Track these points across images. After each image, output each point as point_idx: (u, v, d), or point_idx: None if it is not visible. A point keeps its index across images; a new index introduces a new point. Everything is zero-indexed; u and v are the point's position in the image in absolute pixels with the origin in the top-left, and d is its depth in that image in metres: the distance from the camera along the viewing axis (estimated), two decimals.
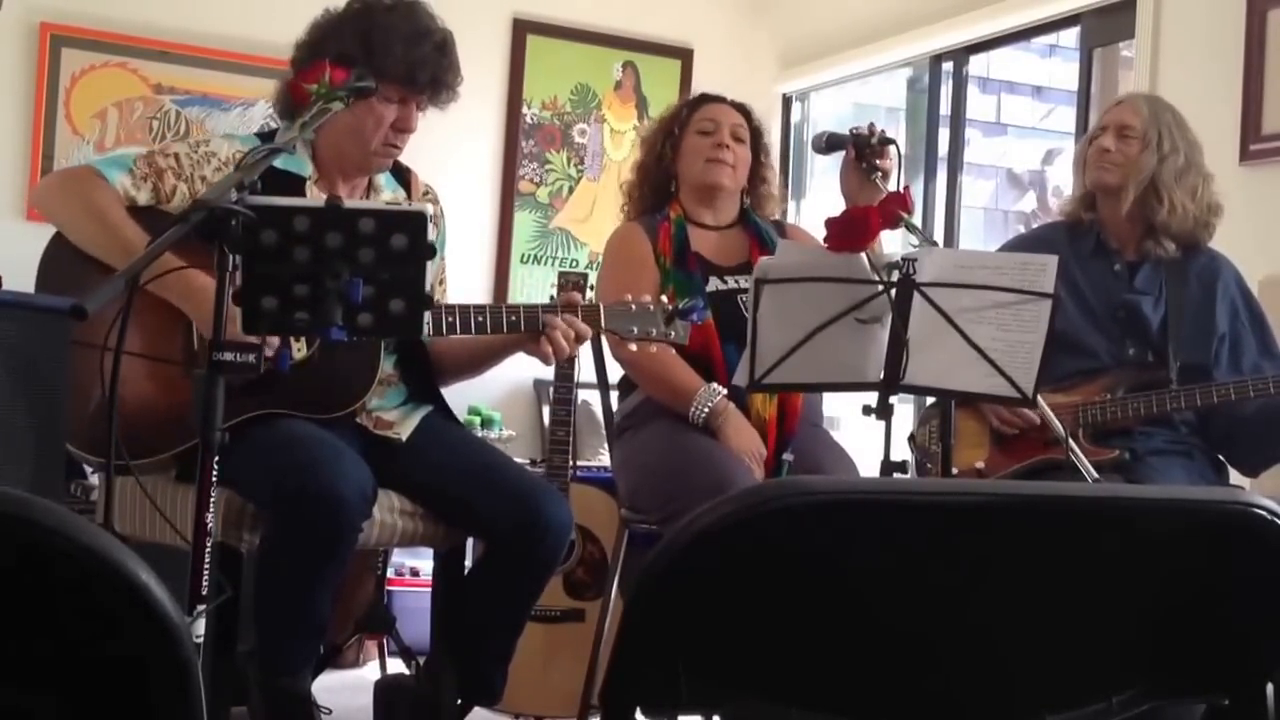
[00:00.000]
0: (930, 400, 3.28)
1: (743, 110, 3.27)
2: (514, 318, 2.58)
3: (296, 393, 2.52)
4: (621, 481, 3.12)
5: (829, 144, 2.85)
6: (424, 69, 2.63)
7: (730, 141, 3.17)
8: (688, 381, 2.96)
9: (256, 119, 4.72)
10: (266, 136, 2.74)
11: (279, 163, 2.66)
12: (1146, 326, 2.98)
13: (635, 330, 2.64)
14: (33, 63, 4.67)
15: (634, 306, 2.65)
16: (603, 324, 2.64)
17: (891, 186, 2.72)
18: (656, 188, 3.26)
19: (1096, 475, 2.49)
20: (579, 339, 2.61)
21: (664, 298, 2.73)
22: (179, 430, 2.40)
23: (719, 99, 3.28)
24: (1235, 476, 3.04)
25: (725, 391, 2.94)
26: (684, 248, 3.11)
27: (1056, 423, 2.47)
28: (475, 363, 2.85)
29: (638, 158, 3.35)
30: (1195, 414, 2.93)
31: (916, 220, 4.82)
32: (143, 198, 2.57)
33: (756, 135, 3.27)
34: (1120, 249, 3.05)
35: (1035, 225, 4.38)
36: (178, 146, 2.68)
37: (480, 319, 2.57)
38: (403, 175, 2.91)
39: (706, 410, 2.92)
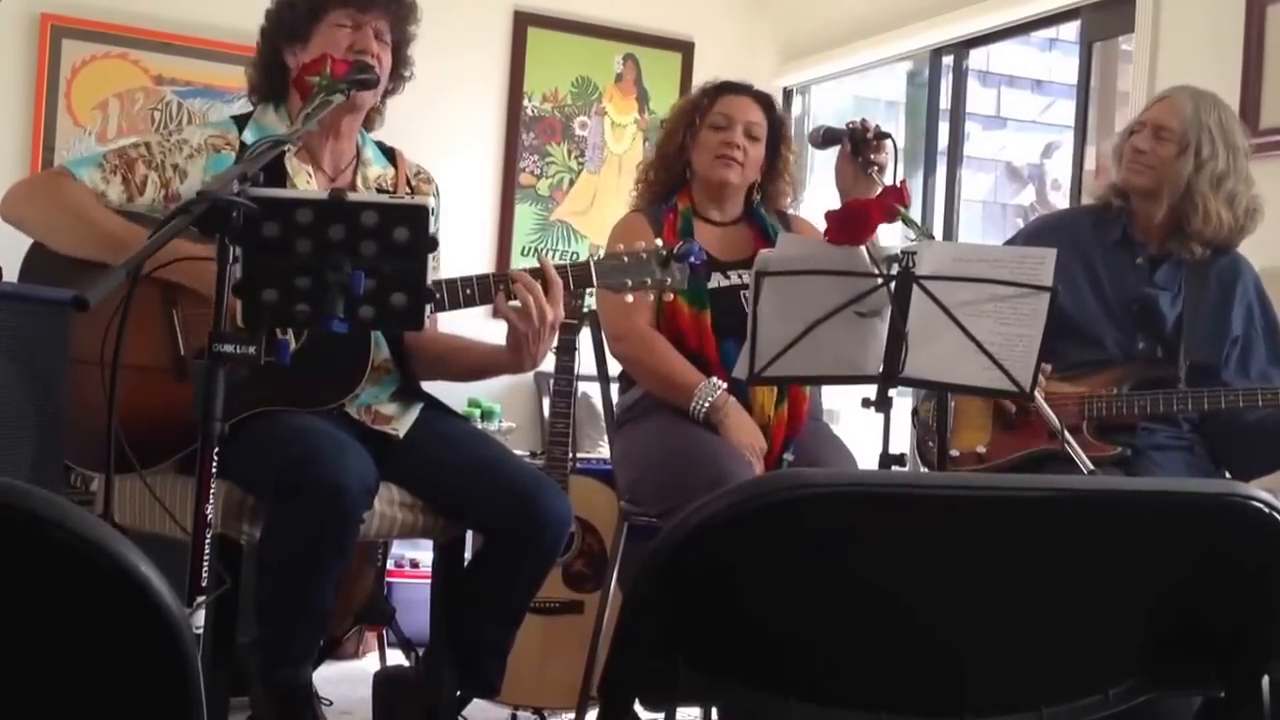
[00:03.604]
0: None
1: (764, 102, 3.23)
2: (469, 290, 2.46)
3: (291, 387, 2.50)
4: (621, 474, 3.12)
5: (825, 138, 2.85)
6: None
7: (742, 140, 3.13)
8: (687, 377, 2.96)
9: None
10: (242, 119, 2.74)
11: (253, 138, 2.66)
12: (1161, 322, 2.95)
13: (630, 282, 2.51)
14: (33, 54, 4.67)
15: (626, 258, 2.53)
16: (594, 280, 2.52)
17: (887, 180, 2.72)
18: (671, 175, 3.24)
19: (1092, 467, 2.49)
20: (550, 294, 2.45)
21: (658, 241, 2.59)
22: (178, 434, 2.37)
23: (740, 90, 3.23)
24: None
25: (725, 386, 2.94)
26: None
27: (1053, 417, 2.47)
28: (446, 364, 2.80)
29: (659, 141, 3.32)
30: (1197, 412, 2.92)
31: (915, 214, 4.85)
32: (113, 192, 2.55)
33: (777, 127, 3.23)
34: (1145, 243, 3.01)
35: (1034, 218, 4.37)
36: (151, 137, 2.67)
37: (438, 295, 2.46)
38: (390, 154, 2.88)
39: (707, 405, 2.92)
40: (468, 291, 2.47)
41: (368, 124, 2.83)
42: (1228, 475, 3.01)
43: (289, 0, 2.69)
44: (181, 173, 2.60)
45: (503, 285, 2.46)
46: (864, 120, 2.82)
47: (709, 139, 3.16)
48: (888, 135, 2.78)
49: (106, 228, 2.47)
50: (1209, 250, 2.95)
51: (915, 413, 3.20)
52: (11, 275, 2.77)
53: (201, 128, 2.73)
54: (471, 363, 2.77)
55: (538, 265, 2.49)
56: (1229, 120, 2.93)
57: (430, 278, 2.10)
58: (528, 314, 2.44)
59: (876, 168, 2.76)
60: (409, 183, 2.86)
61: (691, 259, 2.51)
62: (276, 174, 2.59)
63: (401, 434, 2.68)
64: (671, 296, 2.75)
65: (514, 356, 2.54)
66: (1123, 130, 3.09)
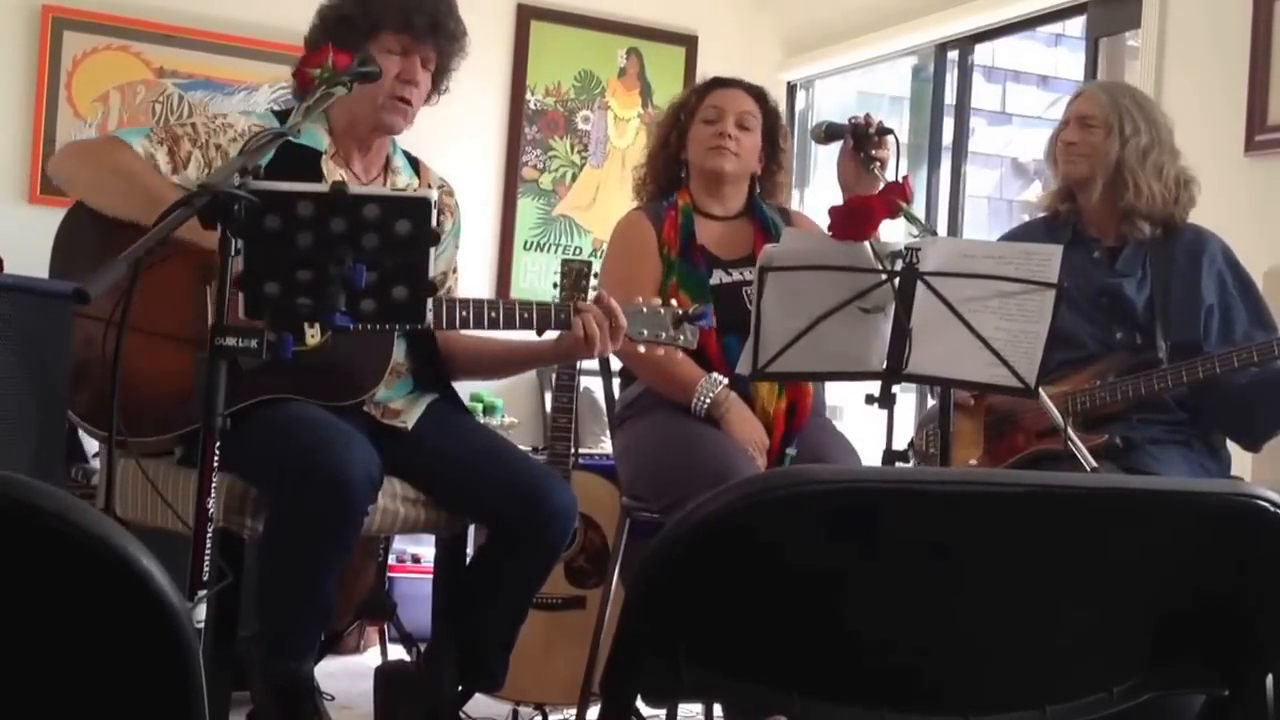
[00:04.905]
0: (930, 404, 3.27)
1: (756, 94, 3.22)
2: (526, 315, 2.57)
3: (307, 379, 2.52)
4: (623, 469, 3.12)
5: (828, 134, 2.85)
6: (419, 12, 2.67)
7: (734, 130, 3.12)
8: (688, 373, 2.95)
9: (260, 104, 4.72)
10: (283, 115, 2.75)
11: (294, 137, 2.68)
12: (1131, 309, 2.97)
13: (645, 333, 2.64)
14: (34, 45, 4.66)
15: (645, 309, 2.65)
16: None
17: (889, 176, 2.72)
18: (666, 175, 3.24)
19: (1095, 464, 2.48)
20: (614, 328, 2.60)
21: (674, 301, 2.73)
22: (184, 412, 2.39)
23: (730, 83, 3.23)
24: (1234, 467, 3.03)
25: (726, 381, 2.93)
26: (690, 239, 3.09)
27: (1055, 412, 2.47)
28: (499, 367, 2.90)
29: (653, 141, 3.33)
30: (1189, 394, 2.91)
31: (920, 209, 4.85)
32: (160, 160, 2.58)
33: (771, 119, 3.23)
34: (1100, 236, 3.05)
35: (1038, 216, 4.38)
36: (196, 117, 2.73)
37: (493, 314, 2.57)
38: (415, 163, 2.92)
39: (708, 401, 2.91)
40: (525, 315, 2.59)
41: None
42: (1234, 463, 3.01)
43: (348, 16, 2.70)
44: (224, 153, 2.63)
45: (564, 314, 2.60)
46: (866, 115, 2.82)
47: (701, 133, 3.15)
48: (889, 131, 2.77)
49: (157, 190, 2.47)
50: (1158, 228, 2.99)
51: (911, 445, 3.21)
52: (13, 267, 2.77)
53: (246, 115, 2.77)
54: (519, 365, 2.94)
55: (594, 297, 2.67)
56: (1145, 101, 3.04)
57: (437, 279, 2.11)
58: (590, 341, 2.58)
59: (878, 163, 2.76)
60: None
61: (702, 323, 2.67)
62: (313, 177, 2.63)
63: (410, 425, 2.69)
64: (680, 355, 2.83)
65: (560, 359, 2.80)
66: (1050, 136, 3.16)
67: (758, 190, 3.23)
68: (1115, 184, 2.97)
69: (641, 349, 2.66)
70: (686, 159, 3.20)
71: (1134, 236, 2.99)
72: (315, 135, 2.70)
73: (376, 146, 2.80)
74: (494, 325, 2.58)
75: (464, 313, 2.56)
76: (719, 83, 3.24)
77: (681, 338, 2.66)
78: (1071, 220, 3.08)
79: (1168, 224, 2.99)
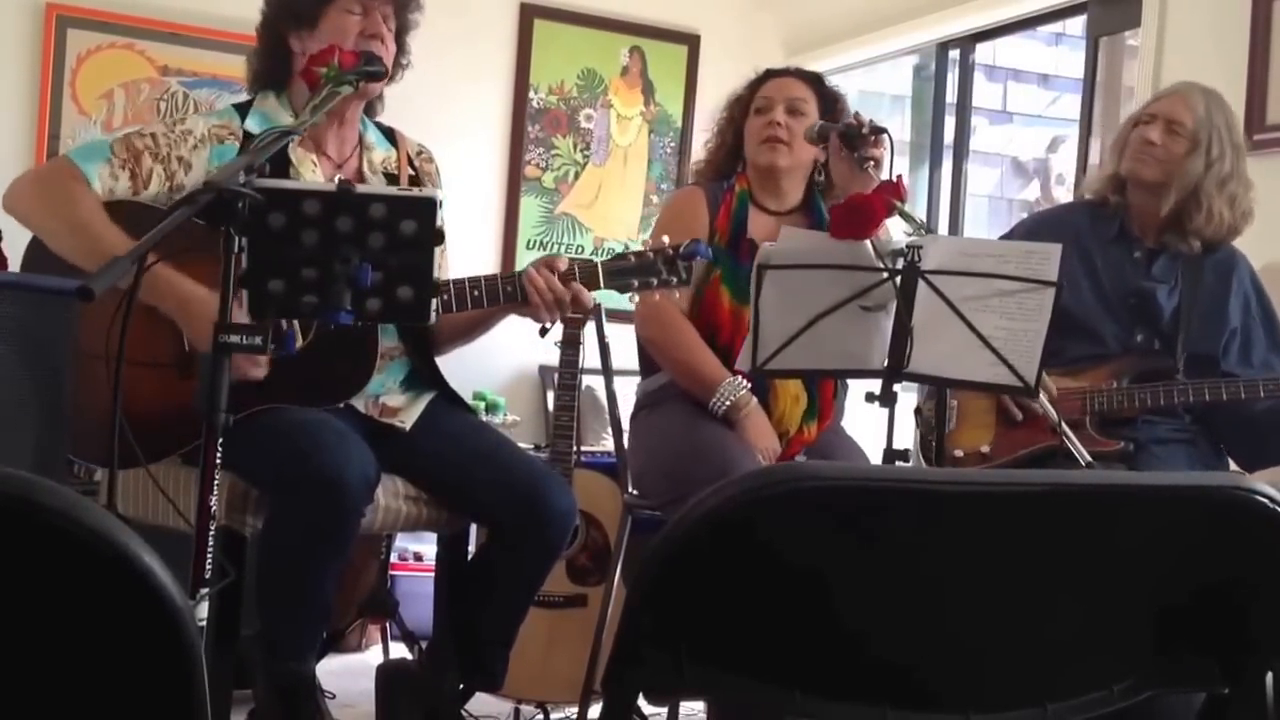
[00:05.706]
0: None
1: (809, 79, 3.15)
2: (510, 287, 2.53)
3: (298, 384, 2.50)
4: (632, 461, 3.11)
5: (820, 134, 2.85)
6: None
7: (783, 117, 3.04)
8: (713, 371, 2.94)
9: None
10: (243, 107, 2.73)
11: (256, 127, 2.65)
12: (1158, 315, 2.96)
13: (636, 283, 2.55)
14: (39, 43, 4.66)
15: (632, 258, 2.57)
16: (602, 282, 2.56)
17: (885, 175, 2.71)
18: (727, 169, 3.18)
19: (1090, 460, 2.48)
20: (560, 296, 2.51)
21: (665, 238, 2.61)
22: (183, 430, 2.38)
23: (782, 71, 3.17)
24: (1235, 464, 3.03)
25: (749, 385, 2.92)
26: (741, 231, 3.04)
27: (1052, 411, 2.47)
28: (465, 330, 2.80)
29: (711, 143, 3.28)
30: (1199, 404, 2.91)
31: (921, 208, 4.84)
32: (121, 187, 2.53)
33: (831, 102, 3.13)
34: (1142, 236, 3.01)
35: (1030, 214, 4.36)
36: (156, 126, 2.66)
37: (475, 293, 2.52)
38: (390, 134, 2.87)
39: (728, 404, 2.90)
40: (508, 288, 2.53)
41: (369, 111, 2.83)
42: (1234, 467, 3.01)
43: None
44: (186, 165, 2.59)
45: (511, 285, 2.51)
46: (858, 114, 2.81)
47: (753, 125, 3.09)
48: (883, 129, 2.76)
49: (110, 244, 2.39)
50: (1202, 246, 2.96)
51: (918, 411, 3.20)
52: (16, 265, 2.77)
53: (205, 117, 2.71)
54: (492, 319, 2.76)
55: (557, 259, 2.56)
56: (1233, 121, 2.96)
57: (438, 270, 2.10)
58: (550, 311, 2.52)
59: (872, 162, 2.75)
60: (411, 163, 2.85)
61: (698, 258, 2.55)
62: (279, 164, 2.59)
63: (408, 426, 2.68)
64: (677, 295, 2.73)
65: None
66: (1126, 121, 3.07)
67: (818, 183, 3.15)
68: (1189, 203, 2.89)
69: (635, 297, 2.58)
70: (745, 155, 3.14)
71: (1178, 248, 2.96)
72: (278, 121, 2.62)
73: (351, 119, 2.73)
74: (478, 304, 2.53)
75: (445, 296, 2.51)
76: (771, 74, 3.18)
77: (675, 278, 2.55)
78: (1119, 215, 3.03)
79: (1211, 244, 2.97)
